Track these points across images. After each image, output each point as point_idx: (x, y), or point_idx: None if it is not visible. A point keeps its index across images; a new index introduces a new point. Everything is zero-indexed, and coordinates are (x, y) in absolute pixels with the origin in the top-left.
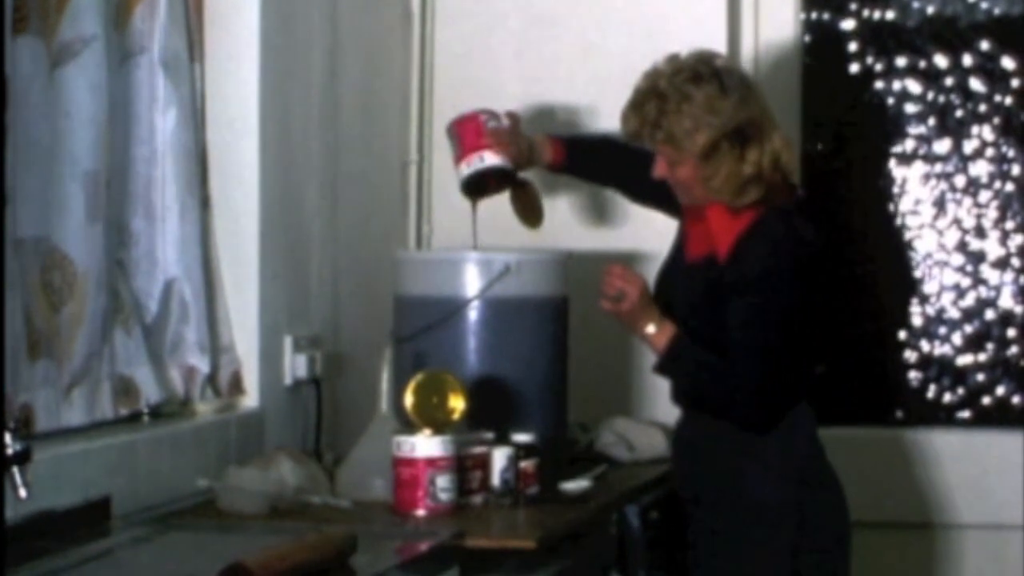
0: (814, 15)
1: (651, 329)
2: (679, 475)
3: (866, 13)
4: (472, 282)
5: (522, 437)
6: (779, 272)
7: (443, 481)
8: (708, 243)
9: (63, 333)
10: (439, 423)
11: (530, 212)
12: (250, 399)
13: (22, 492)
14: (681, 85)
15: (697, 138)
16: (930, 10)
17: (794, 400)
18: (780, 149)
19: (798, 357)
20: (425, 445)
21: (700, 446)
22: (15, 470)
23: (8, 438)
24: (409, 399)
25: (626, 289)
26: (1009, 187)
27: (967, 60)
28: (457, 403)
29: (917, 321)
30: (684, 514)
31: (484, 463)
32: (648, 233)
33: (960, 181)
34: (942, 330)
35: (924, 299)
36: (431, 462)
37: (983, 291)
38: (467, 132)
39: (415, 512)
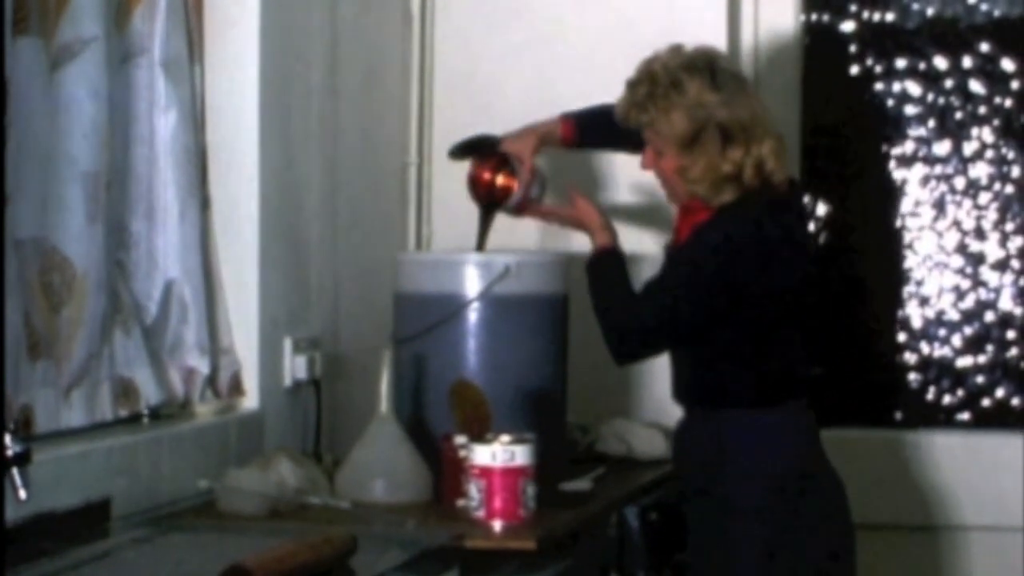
0: (814, 17)
1: (601, 223)
2: (676, 472)
3: (866, 15)
4: (472, 283)
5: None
6: (716, 249)
7: (531, 489)
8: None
9: (63, 334)
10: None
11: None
12: (250, 400)
13: (22, 493)
14: (674, 71)
15: (679, 125)
16: (930, 12)
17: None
18: (766, 156)
19: (760, 347)
20: (522, 453)
21: (689, 445)
22: (15, 471)
23: (8, 439)
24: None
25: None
26: (1009, 189)
27: (967, 62)
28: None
29: (916, 323)
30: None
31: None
32: (648, 234)
33: (960, 183)
34: (942, 332)
35: (924, 301)
36: (524, 471)
37: (983, 293)
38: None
39: (512, 523)
